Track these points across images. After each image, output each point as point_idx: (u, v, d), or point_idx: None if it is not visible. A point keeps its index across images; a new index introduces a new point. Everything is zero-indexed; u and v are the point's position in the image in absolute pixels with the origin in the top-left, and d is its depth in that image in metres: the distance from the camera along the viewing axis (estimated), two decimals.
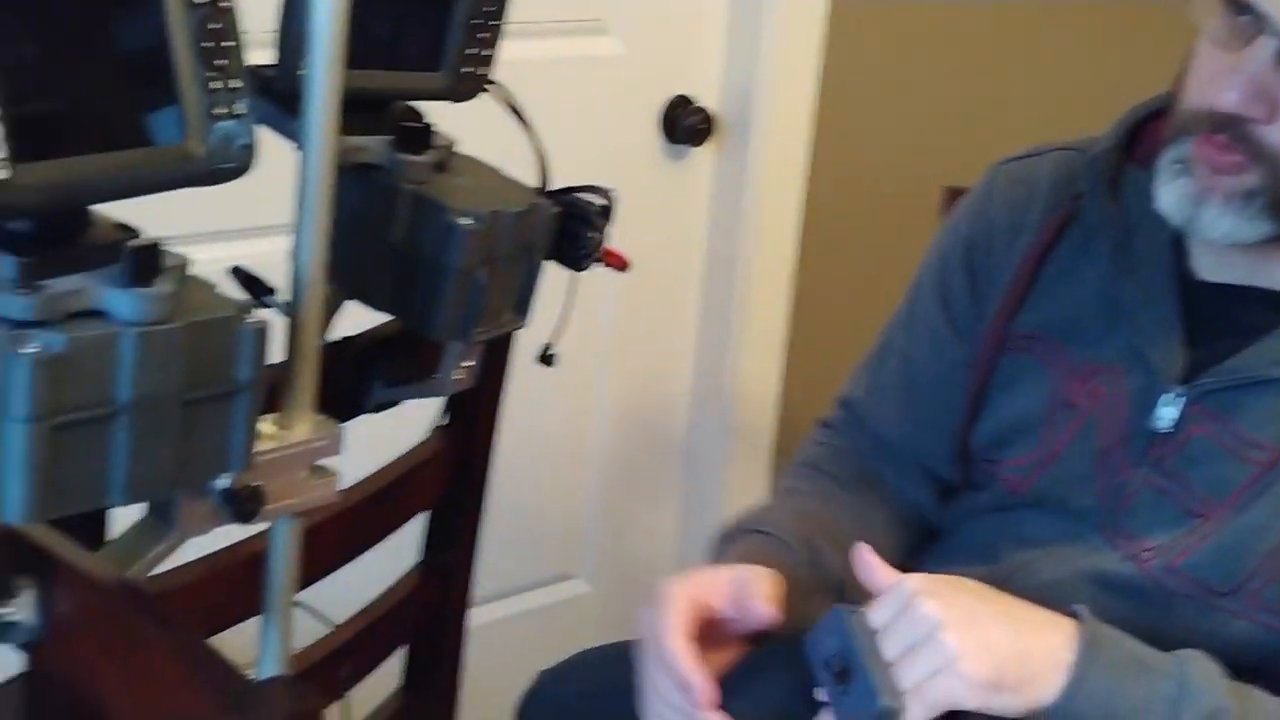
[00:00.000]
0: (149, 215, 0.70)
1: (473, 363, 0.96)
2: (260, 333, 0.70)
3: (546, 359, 1.07)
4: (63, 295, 0.63)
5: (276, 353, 0.77)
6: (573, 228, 0.96)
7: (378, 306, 0.92)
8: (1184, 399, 1.04)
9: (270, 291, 0.95)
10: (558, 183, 0.98)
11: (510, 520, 1.97)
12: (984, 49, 2.01)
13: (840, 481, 1.22)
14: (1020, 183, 1.16)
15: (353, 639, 1.14)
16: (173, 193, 0.68)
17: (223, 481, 0.75)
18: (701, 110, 1.83)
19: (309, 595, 1.28)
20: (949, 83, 1.99)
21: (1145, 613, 1.02)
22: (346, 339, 0.99)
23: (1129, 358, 1.07)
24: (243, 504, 0.76)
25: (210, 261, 0.79)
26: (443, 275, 0.87)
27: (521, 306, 0.95)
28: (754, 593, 1.00)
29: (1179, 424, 1.04)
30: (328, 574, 1.08)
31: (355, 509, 1.07)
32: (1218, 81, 0.97)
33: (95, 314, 0.65)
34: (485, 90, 0.94)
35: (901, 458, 1.23)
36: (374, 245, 0.89)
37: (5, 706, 0.97)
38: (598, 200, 0.97)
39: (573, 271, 0.97)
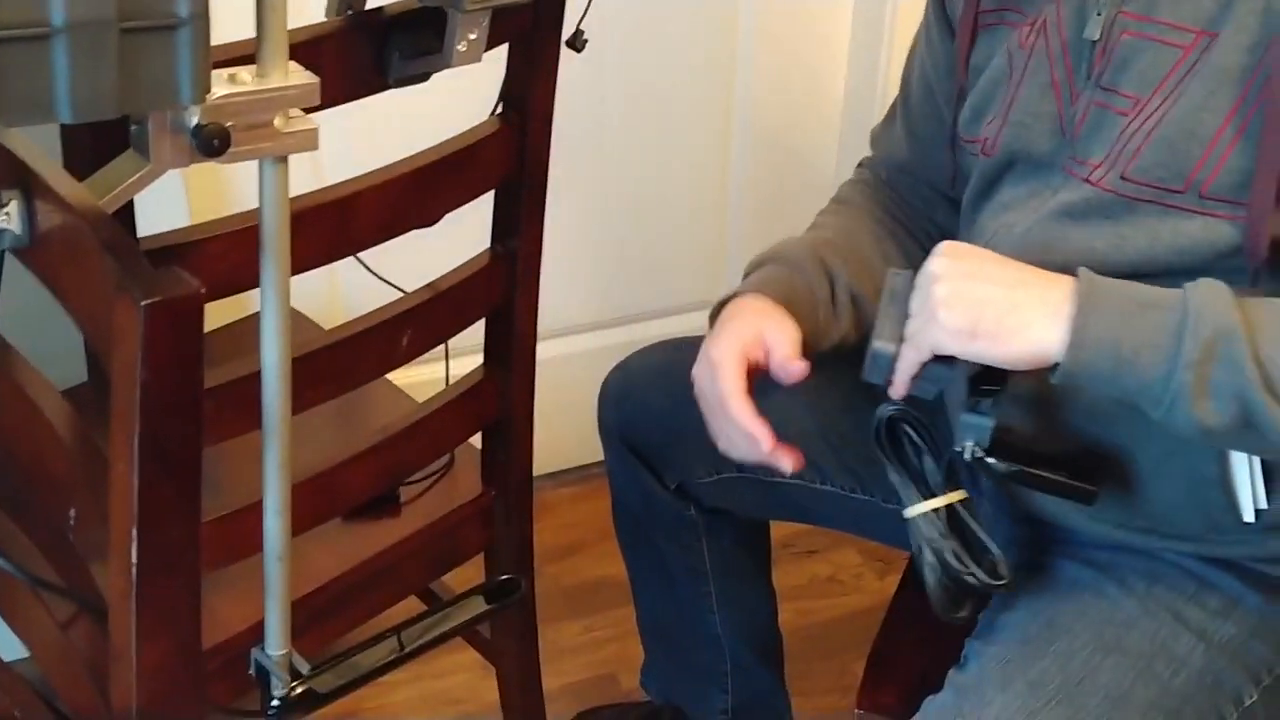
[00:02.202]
0: None
1: (475, 36, 1.00)
2: None
3: (576, 44, 1.10)
4: None
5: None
6: None
7: None
8: (1113, 5, 1.04)
9: None
10: None
11: (652, 247, 2.04)
12: None
13: (865, 209, 1.32)
14: None
15: (414, 309, 1.23)
16: None
17: (194, 119, 0.83)
18: None
19: (388, 269, 1.38)
20: None
21: (1108, 229, 1.05)
22: (368, 12, 1.04)
23: None
24: (208, 140, 0.84)
25: None
26: None
27: None
28: (780, 341, 1.17)
29: (1110, 31, 1.04)
30: (376, 242, 1.16)
31: (405, 179, 1.14)
32: None
33: None
34: None
35: (912, 177, 1.33)
36: None
37: None
38: None
39: None
